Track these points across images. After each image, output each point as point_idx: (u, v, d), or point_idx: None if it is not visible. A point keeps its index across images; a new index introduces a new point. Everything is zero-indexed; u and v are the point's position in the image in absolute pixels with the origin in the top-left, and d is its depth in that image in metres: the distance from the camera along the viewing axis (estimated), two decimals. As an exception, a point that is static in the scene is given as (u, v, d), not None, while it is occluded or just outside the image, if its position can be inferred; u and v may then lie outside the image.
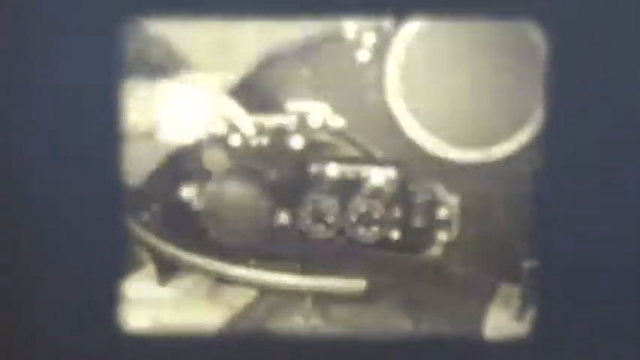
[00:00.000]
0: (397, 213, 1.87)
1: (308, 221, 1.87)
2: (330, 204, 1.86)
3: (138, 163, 1.86)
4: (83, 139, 1.43)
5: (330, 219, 1.86)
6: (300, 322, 1.85)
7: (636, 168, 1.41)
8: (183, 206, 1.95)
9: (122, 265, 1.53)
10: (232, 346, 1.56)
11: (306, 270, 1.89)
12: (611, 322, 1.43)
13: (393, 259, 1.91)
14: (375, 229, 1.85)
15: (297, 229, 1.89)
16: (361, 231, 1.85)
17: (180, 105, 1.83)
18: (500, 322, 1.74)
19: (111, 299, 1.47)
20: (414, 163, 1.90)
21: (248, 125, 1.90)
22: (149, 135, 1.81)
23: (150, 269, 1.97)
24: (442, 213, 1.88)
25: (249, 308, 1.89)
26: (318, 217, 1.86)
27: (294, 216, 1.89)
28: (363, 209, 1.84)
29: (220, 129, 1.90)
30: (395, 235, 1.88)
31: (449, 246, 1.89)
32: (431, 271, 1.91)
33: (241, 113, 1.90)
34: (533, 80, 1.75)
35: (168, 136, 1.84)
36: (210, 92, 1.88)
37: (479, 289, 1.85)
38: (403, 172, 1.90)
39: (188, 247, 1.92)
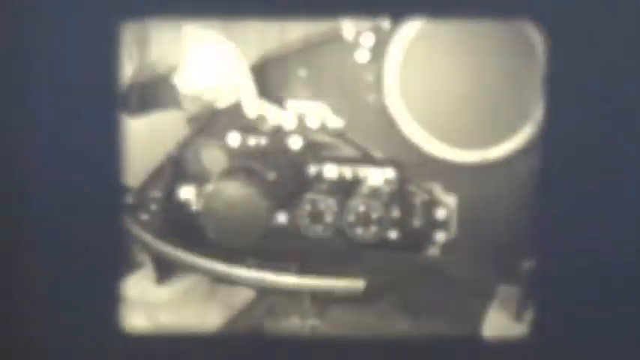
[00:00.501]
0: (395, 213, 1.87)
1: (306, 221, 1.87)
2: (328, 204, 1.86)
3: (138, 163, 1.86)
4: (83, 139, 1.43)
5: (329, 219, 1.86)
6: (298, 322, 1.85)
7: (636, 168, 1.41)
8: (182, 206, 1.95)
9: (121, 265, 1.53)
10: (232, 346, 1.55)
11: (304, 270, 1.89)
12: (611, 323, 1.43)
13: (392, 260, 1.91)
14: (373, 229, 1.85)
15: (295, 229, 1.89)
16: (359, 231, 1.85)
17: (203, 52, 1.82)
18: (500, 322, 1.74)
19: (110, 299, 1.46)
20: (412, 164, 1.90)
21: (252, 106, 1.90)
22: (166, 77, 1.80)
23: (149, 269, 1.97)
24: (440, 213, 1.88)
25: (248, 308, 1.89)
26: (316, 217, 1.86)
27: (293, 216, 1.89)
28: (361, 209, 1.84)
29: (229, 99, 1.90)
30: (393, 235, 1.88)
31: (447, 246, 1.89)
32: (429, 271, 1.91)
33: (253, 89, 1.90)
34: (532, 80, 1.76)
35: (184, 82, 1.83)
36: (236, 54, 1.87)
37: (478, 289, 1.86)
38: (402, 173, 1.90)
39: (187, 247, 1.92)
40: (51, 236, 1.46)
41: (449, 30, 1.83)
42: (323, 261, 1.91)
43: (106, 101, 1.42)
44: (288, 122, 1.92)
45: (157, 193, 1.97)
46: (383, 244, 1.87)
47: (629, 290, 1.42)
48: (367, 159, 1.93)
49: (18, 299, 1.45)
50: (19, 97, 1.41)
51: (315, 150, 1.93)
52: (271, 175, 1.89)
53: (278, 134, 1.92)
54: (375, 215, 1.84)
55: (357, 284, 1.86)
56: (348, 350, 1.52)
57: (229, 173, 1.88)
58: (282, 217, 1.90)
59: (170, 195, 1.96)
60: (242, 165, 1.90)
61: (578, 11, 1.37)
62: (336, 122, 1.93)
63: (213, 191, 1.84)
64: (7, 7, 1.39)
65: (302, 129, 1.92)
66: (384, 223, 1.84)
